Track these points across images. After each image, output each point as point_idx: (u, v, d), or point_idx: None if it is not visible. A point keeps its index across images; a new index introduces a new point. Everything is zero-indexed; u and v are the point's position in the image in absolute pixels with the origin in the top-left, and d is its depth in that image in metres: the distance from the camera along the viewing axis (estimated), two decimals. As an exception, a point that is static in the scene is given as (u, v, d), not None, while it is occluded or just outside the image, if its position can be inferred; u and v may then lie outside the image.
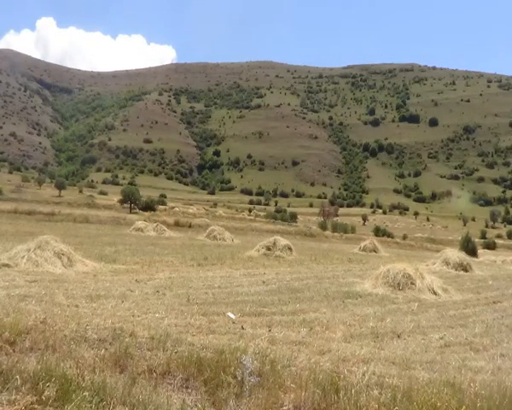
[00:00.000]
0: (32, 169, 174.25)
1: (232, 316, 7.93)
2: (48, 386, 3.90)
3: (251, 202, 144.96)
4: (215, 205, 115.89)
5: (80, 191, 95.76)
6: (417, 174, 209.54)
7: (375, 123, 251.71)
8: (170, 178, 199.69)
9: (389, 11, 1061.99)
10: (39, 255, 12.24)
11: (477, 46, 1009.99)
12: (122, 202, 56.64)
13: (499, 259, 33.10)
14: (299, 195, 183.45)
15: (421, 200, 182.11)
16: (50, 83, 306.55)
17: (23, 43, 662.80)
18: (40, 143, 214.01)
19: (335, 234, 49.82)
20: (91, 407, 3.74)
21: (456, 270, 18.53)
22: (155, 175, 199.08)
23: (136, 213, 50.57)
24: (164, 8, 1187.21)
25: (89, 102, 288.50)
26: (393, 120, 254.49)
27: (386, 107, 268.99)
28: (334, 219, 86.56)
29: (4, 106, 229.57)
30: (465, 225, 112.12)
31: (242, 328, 7.13)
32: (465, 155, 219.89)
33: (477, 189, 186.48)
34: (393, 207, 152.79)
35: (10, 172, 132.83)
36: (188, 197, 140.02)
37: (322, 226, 57.30)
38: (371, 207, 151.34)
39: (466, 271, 18.60)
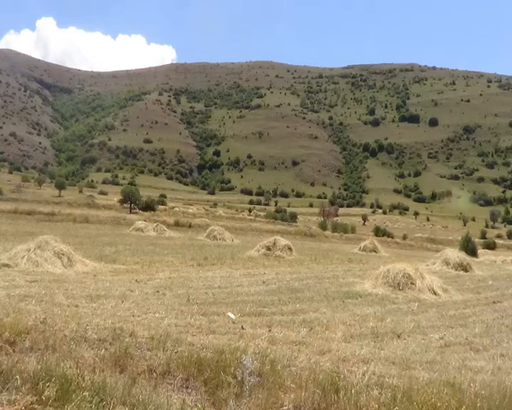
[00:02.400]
0: (32, 169, 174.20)
1: (232, 316, 7.93)
2: (48, 386, 3.90)
3: (251, 202, 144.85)
4: (215, 205, 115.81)
5: (80, 191, 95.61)
6: (417, 174, 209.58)
7: (375, 123, 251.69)
8: (170, 178, 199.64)
9: (389, 11, 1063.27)
10: (39, 255, 12.23)
11: (477, 46, 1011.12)
12: (122, 202, 56.58)
13: (499, 259, 33.13)
14: (299, 195, 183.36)
15: (421, 200, 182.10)
16: (50, 83, 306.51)
17: (23, 43, 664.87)
18: (40, 143, 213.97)
19: (335, 234, 49.80)
20: (91, 407, 3.74)
21: (456, 270, 18.51)
22: (155, 175, 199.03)
23: (136, 213, 50.56)
24: (164, 8, 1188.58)
25: (89, 102, 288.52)
26: (393, 120, 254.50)
27: (386, 107, 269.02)
28: (334, 219, 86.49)
29: (4, 106, 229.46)
30: (465, 225, 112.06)
31: (242, 328, 7.12)
32: (465, 155, 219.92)
33: (477, 189, 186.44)
34: (393, 207, 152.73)
35: (10, 172, 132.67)
36: (188, 197, 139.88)
37: (322, 226, 57.24)
38: (371, 207, 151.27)
39: (466, 271, 18.58)
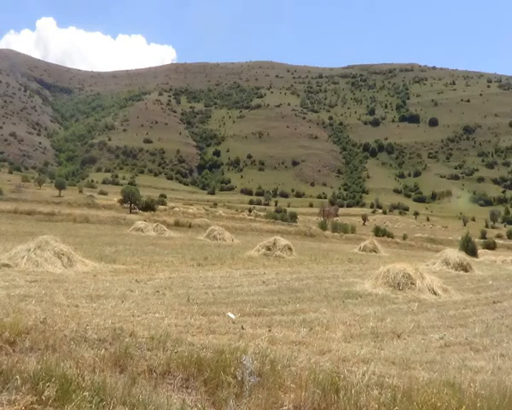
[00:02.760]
0: (32, 169, 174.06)
1: (232, 316, 7.93)
2: (48, 386, 3.90)
3: (251, 202, 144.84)
4: (215, 205, 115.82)
5: (80, 191, 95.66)
6: (417, 174, 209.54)
7: (375, 123, 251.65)
8: (170, 178, 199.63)
9: (389, 11, 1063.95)
10: (39, 255, 12.23)
11: (477, 46, 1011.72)
12: (122, 202, 56.57)
13: (499, 259, 33.15)
14: (299, 195, 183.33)
15: (421, 200, 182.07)
16: (50, 83, 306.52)
17: (23, 43, 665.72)
18: (40, 143, 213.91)
19: (335, 234, 49.78)
20: (91, 407, 3.74)
21: (456, 270, 18.51)
22: (155, 175, 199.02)
23: (136, 213, 50.54)
24: (164, 8, 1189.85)
25: (89, 102, 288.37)
26: (393, 120, 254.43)
27: (386, 107, 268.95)
28: (334, 219, 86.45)
29: (4, 106, 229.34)
30: (465, 225, 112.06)
31: (242, 328, 7.12)
32: (465, 155, 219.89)
33: (477, 189, 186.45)
34: (393, 207, 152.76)
35: (10, 172, 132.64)
36: (188, 197, 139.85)
37: (322, 226, 57.23)
38: (371, 207, 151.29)
39: (466, 271, 18.57)
